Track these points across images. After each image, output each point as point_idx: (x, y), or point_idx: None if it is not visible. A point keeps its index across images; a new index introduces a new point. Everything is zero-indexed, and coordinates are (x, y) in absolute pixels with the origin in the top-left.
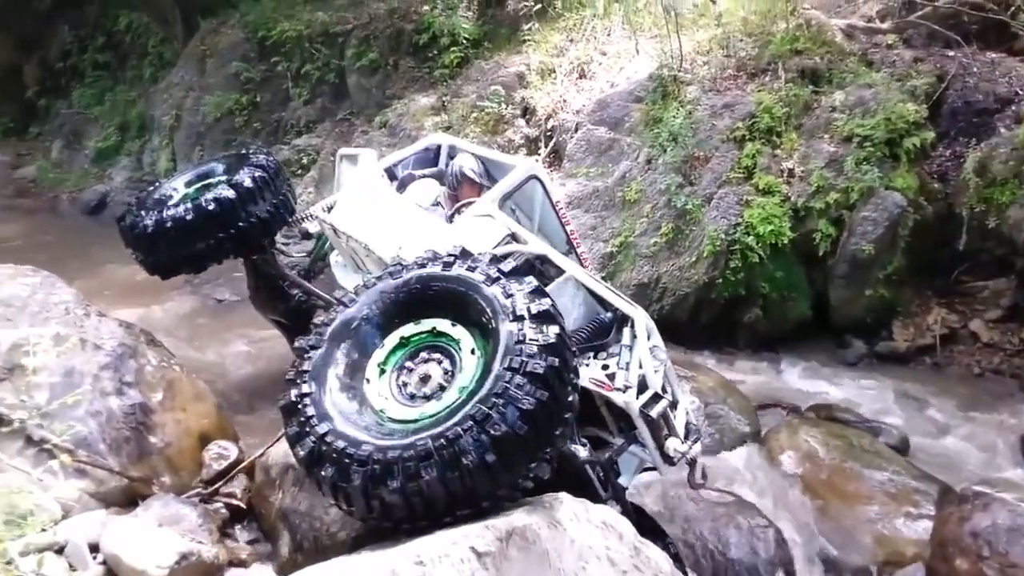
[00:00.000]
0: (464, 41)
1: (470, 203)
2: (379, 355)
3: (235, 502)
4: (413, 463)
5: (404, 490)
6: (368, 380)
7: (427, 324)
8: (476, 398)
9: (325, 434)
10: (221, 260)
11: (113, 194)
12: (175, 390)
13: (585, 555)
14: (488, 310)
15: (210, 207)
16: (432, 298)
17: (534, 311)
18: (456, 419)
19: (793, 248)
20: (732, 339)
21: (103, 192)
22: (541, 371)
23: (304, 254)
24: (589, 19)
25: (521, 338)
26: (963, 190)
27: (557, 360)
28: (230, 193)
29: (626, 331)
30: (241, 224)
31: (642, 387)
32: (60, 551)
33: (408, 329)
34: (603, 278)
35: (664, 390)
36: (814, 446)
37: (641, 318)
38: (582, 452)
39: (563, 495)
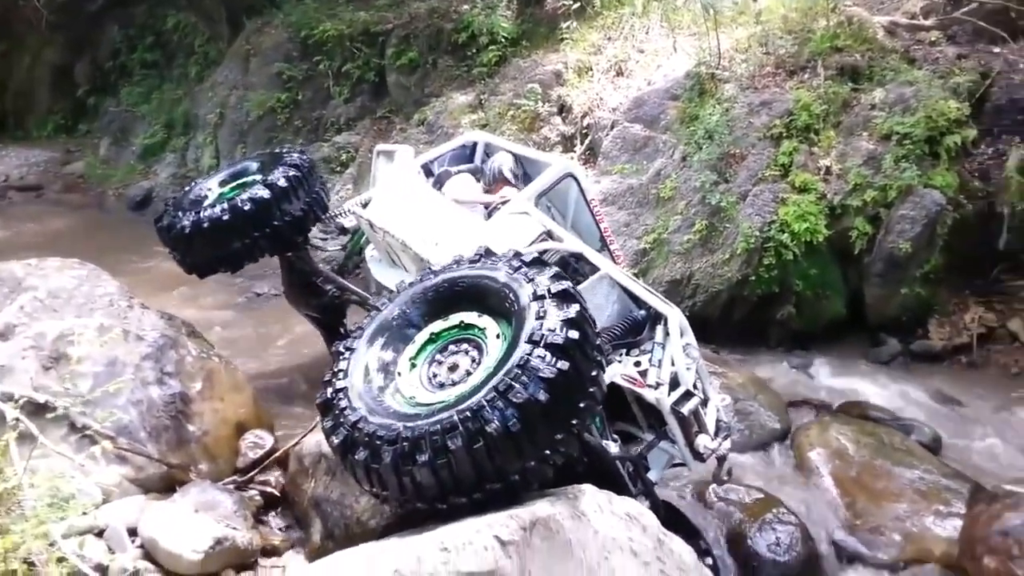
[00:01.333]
0: (503, 40)
1: (506, 201)
2: (410, 351)
3: (269, 490)
4: (439, 436)
5: (433, 464)
6: (400, 374)
7: (455, 319)
8: (500, 372)
9: (357, 421)
10: (257, 258)
11: (158, 190)
12: (214, 380)
13: (608, 546)
14: (511, 296)
15: (246, 207)
16: (460, 294)
17: (554, 291)
18: (481, 393)
19: (828, 246)
20: (765, 337)
21: (148, 188)
22: (561, 342)
23: (339, 248)
24: (627, 17)
25: (542, 314)
26: (1005, 188)
27: (578, 333)
28: (265, 193)
29: (659, 329)
30: (276, 223)
31: (674, 384)
32: (100, 534)
33: (437, 325)
34: (636, 275)
35: (695, 387)
36: (844, 443)
37: (675, 316)
38: (613, 447)
39: (587, 487)
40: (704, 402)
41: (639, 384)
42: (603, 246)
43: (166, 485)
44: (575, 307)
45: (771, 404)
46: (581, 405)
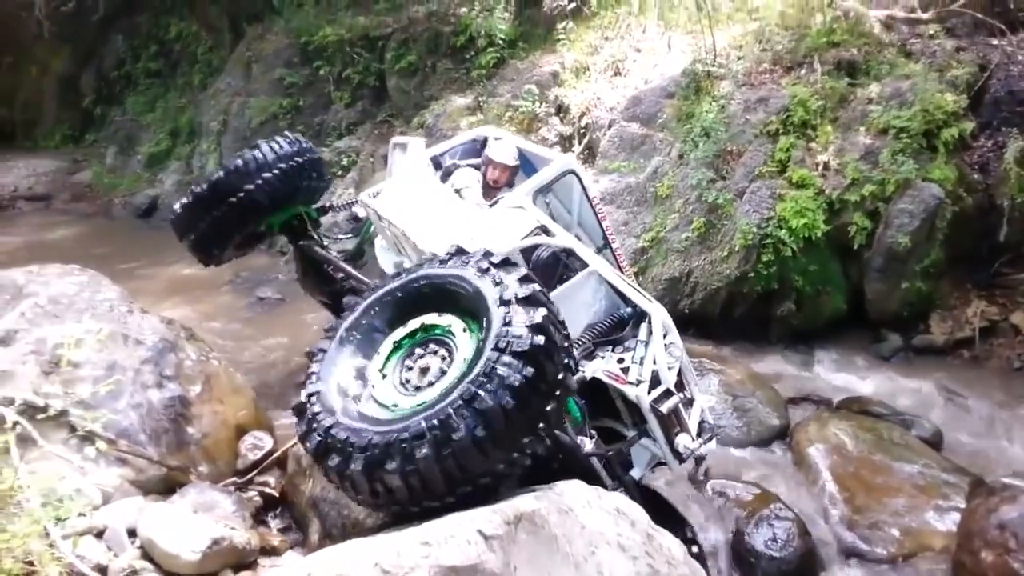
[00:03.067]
0: (500, 42)
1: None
2: (378, 362)
3: (268, 491)
4: (407, 443)
5: (403, 470)
6: (374, 385)
7: (415, 323)
8: (466, 380)
9: (330, 427)
10: (245, 230)
11: (164, 197)
12: (213, 383)
13: (595, 541)
14: (479, 299)
15: (216, 176)
16: (427, 296)
17: (521, 295)
18: (448, 400)
19: (827, 241)
20: (765, 333)
21: (154, 196)
22: (527, 348)
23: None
24: (624, 17)
25: (508, 320)
26: (1004, 180)
27: (544, 338)
28: (237, 162)
29: (643, 327)
30: (249, 187)
31: (656, 382)
32: (100, 535)
33: (398, 333)
34: (636, 274)
35: (680, 387)
36: (843, 439)
37: (658, 314)
38: (588, 444)
39: (576, 482)
40: (689, 402)
41: (620, 380)
42: (605, 244)
43: (166, 487)
44: (541, 311)
45: (770, 400)
46: (548, 408)
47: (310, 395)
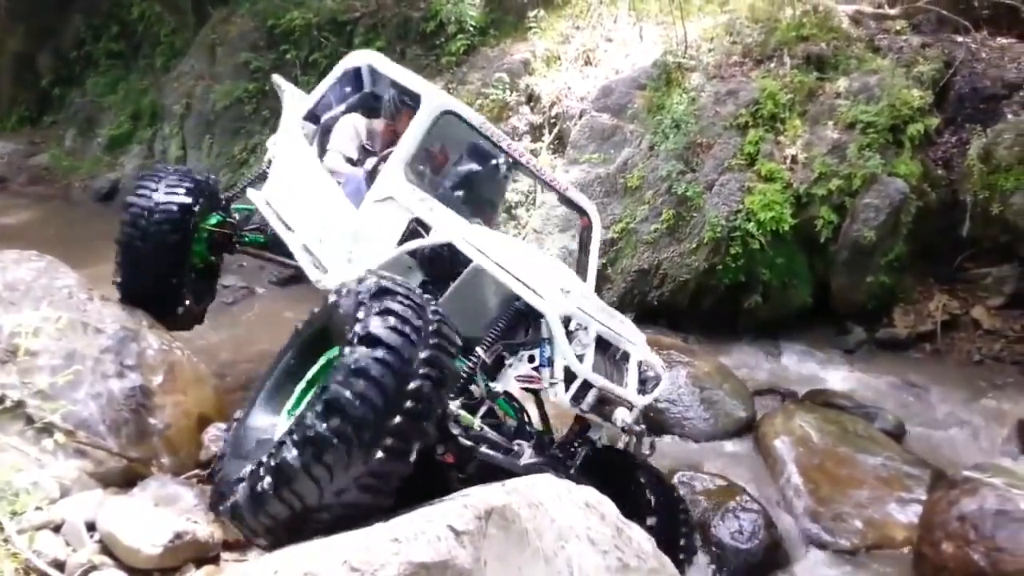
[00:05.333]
0: (471, 29)
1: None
2: (289, 402)
3: None
4: (253, 475)
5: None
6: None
7: (323, 359)
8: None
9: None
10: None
11: (124, 181)
12: (176, 373)
13: (565, 534)
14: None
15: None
16: (327, 331)
17: (362, 334)
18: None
19: (794, 235)
20: (732, 326)
21: (115, 179)
22: (339, 397)
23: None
24: (595, 6)
25: (360, 316)
26: (967, 176)
27: (363, 383)
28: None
29: (543, 321)
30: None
31: (571, 377)
32: (57, 529)
33: (311, 371)
34: (605, 265)
35: (605, 348)
36: (808, 431)
37: (552, 311)
38: (526, 449)
39: (547, 476)
40: (625, 356)
41: (536, 382)
42: (514, 162)
43: (127, 480)
44: (387, 299)
45: (737, 392)
46: (411, 387)
47: (215, 467)
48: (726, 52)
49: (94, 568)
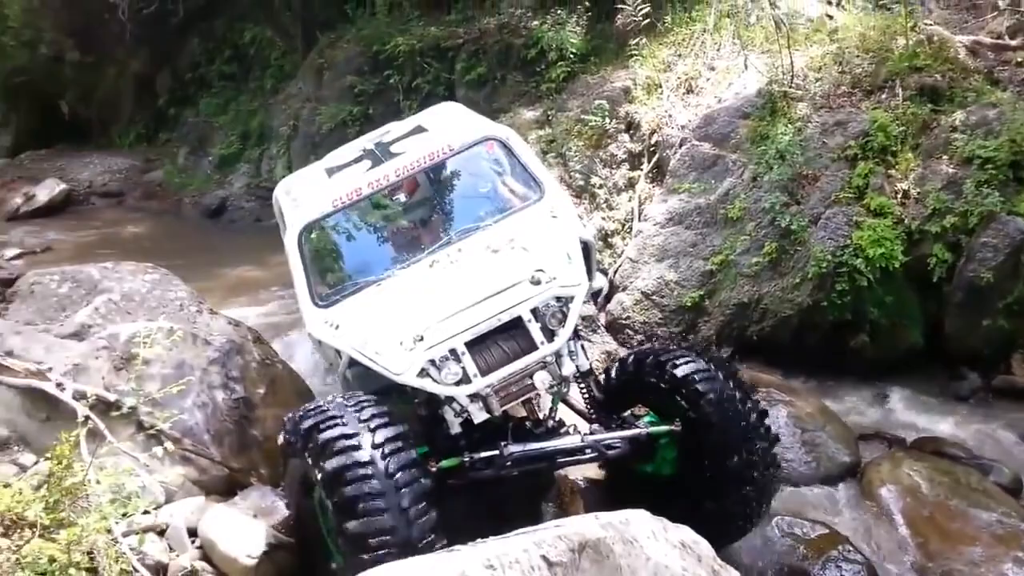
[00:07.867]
0: (571, 56)
1: None
2: None
3: None
4: None
5: None
6: None
7: None
8: None
9: None
10: None
11: (232, 199)
12: (277, 386)
13: (661, 574)
14: None
15: None
16: None
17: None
18: None
19: (905, 273)
20: (837, 365)
21: (223, 197)
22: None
23: None
24: (698, 34)
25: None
26: None
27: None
28: None
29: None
30: None
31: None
32: (162, 533)
33: None
34: (703, 296)
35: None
36: (917, 481)
37: (407, 380)
38: None
39: (642, 512)
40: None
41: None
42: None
43: (227, 488)
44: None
45: (840, 436)
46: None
47: None
48: (834, 82)
49: (194, 573)
